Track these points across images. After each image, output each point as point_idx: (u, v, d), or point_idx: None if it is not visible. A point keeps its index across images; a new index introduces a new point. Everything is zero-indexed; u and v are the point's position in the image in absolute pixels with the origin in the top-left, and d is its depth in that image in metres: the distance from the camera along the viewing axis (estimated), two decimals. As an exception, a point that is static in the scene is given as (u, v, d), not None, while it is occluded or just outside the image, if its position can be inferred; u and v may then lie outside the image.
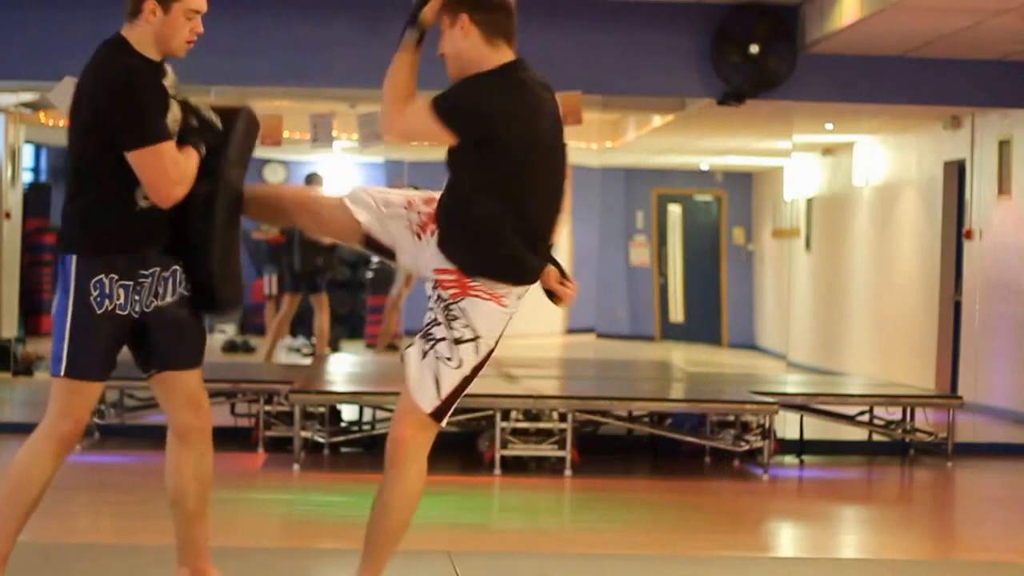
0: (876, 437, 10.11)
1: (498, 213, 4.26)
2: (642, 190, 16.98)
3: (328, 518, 7.41)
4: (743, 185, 17.32)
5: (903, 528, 7.74)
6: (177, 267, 4.45)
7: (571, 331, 16.63)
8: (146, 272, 4.39)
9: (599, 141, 14.22)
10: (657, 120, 13.14)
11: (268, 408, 9.38)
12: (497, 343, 4.41)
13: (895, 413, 9.95)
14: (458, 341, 4.31)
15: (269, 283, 13.75)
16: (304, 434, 8.88)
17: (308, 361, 12.81)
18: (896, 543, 7.25)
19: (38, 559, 5.61)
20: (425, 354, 4.33)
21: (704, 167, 17.09)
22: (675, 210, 17.55)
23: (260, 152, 16.89)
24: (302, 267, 13.08)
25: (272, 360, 13.18)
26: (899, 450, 10.12)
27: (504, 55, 4.32)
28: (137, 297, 4.39)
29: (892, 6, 8.81)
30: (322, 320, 13.25)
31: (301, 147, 13.41)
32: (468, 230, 4.29)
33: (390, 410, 9.29)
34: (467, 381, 4.38)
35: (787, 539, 7.66)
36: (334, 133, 10.68)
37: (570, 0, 10.27)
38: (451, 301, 4.31)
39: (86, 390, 4.42)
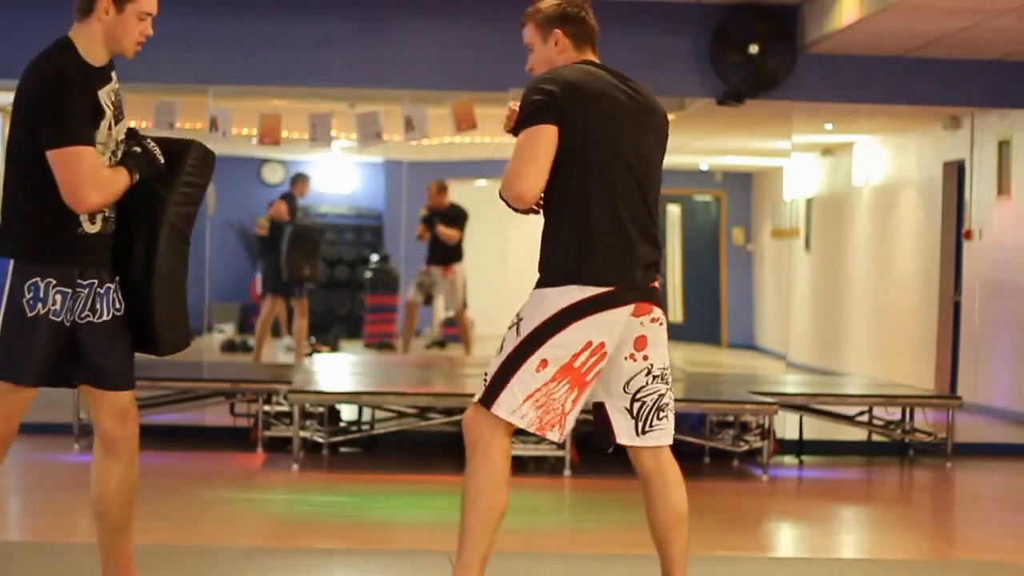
0: (875, 437, 10.11)
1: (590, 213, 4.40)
2: (642, 190, 16.94)
3: (327, 518, 7.41)
4: (742, 185, 17.31)
5: (902, 528, 7.74)
6: (113, 285, 4.41)
7: (570, 331, 16.58)
8: (84, 283, 4.34)
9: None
10: (657, 120, 13.11)
11: (267, 408, 9.38)
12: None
13: (894, 413, 9.96)
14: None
15: (262, 282, 13.80)
16: (303, 434, 8.88)
17: (306, 361, 12.79)
18: (895, 543, 7.25)
19: (38, 559, 5.60)
20: None
21: (703, 167, 17.08)
22: (674, 210, 17.55)
23: (259, 151, 16.91)
24: (289, 275, 13.12)
25: (260, 359, 13.20)
26: (898, 450, 10.12)
27: (588, 58, 4.54)
28: (72, 306, 4.33)
29: (892, 6, 8.81)
30: (301, 324, 13.30)
31: (300, 147, 13.42)
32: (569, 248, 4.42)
33: (389, 410, 9.32)
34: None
35: (786, 539, 7.66)
36: (333, 133, 10.67)
37: (570, 0, 10.26)
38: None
39: (16, 393, 4.32)
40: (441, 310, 15.88)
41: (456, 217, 13.68)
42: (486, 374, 4.41)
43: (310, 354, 14.23)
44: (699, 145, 15.10)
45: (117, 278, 4.43)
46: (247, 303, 16.65)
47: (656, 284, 4.48)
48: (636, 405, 4.43)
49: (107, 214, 4.37)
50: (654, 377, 4.43)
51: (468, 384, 9.81)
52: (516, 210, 4.45)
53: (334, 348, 15.61)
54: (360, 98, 11.09)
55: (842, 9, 9.50)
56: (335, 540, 6.73)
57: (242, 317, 16.76)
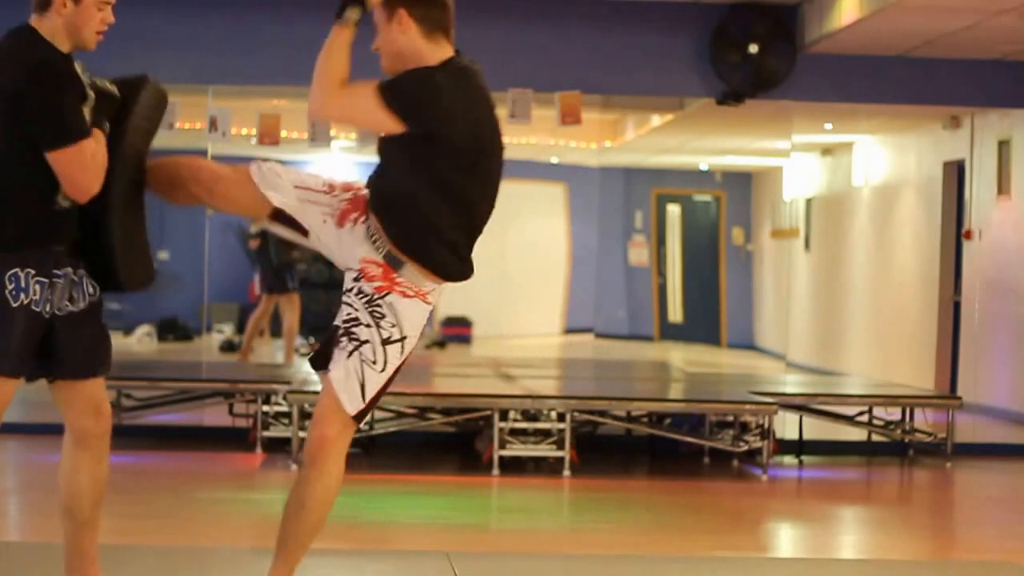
0: (875, 437, 10.11)
1: (442, 207, 4.25)
2: (641, 190, 16.97)
3: (327, 518, 7.38)
4: (742, 185, 17.31)
5: (902, 528, 7.73)
6: (84, 270, 4.36)
7: (569, 331, 16.62)
8: (59, 272, 4.29)
9: (598, 141, 14.22)
10: (656, 120, 13.14)
11: (266, 408, 9.37)
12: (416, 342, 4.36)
13: (894, 413, 9.95)
14: (385, 342, 4.25)
15: (259, 283, 13.84)
16: (302, 434, 8.86)
17: (305, 361, 12.78)
18: (895, 543, 7.24)
19: (37, 559, 5.59)
20: (350, 355, 4.27)
21: (703, 167, 17.08)
22: (674, 210, 17.54)
23: (259, 151, 16.98)
24: (280, 263, 13.15)
25: (247, 358, 13.22)
26: (898, 450, 10.11)
27: (444, 50, 4.32)
28: (51, 296, 4.27)
29: (892, 6, 8.80)
30: (292, 320, 13.30)
31: (299, 146, 13.39)
32: (412, 218, 4.25)
33: (388, 410, 9.30)
34: (389, 382, 4.32)
35: (786, 539, 7.65)
36: (332, 132, 10.66)
37: (570, 0, 10.26)
38: (376, 295, 4.25)
39: (1, 385, 4.27)
40: (441, 310, 15.89)
41: None
42: (362, 386, 4.28)
43: (309, 354, 14.23)
44: (699, 145, 15.10)
45: (85, 264, 4.36)
46: (246, 303, 16.65)
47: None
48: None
49: None
50: None
51: (467, 384, 9.81)
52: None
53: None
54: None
55: (842, 9, 9.49)
56: (335, 540, 6.71)
57: (241, 317, 16.75)
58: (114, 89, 4.34)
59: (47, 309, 4.28)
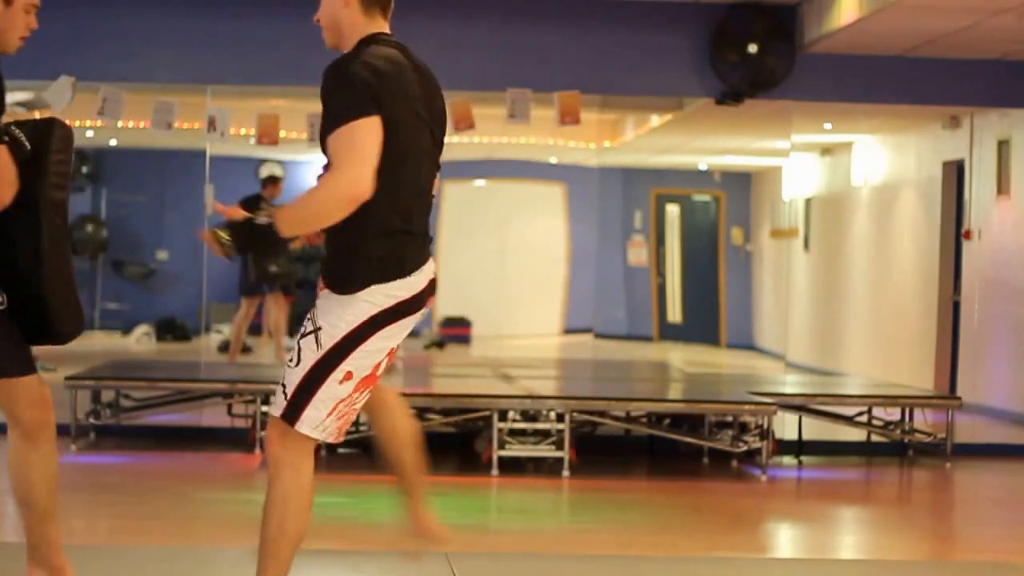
0: (875, 438, 10.10)
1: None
2: (640, 190, 16.97)
3: (325, 518, 7.38)
4: (741, 185, 17.31)
5: (902, 529, 7.73)
6: None
7: (568, 331, 16.62)
8: None
9: (597, 141, 14.22)
10: (655, 120, 13.13)
11: (265, 408, 9.36)
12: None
13: (894, 414, 9.94)
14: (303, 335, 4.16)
15: (237, 285, 13.84)
16: (301, 434, 8.85)
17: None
18: (895, 544, 7.24)
19: (34, 560, 5.58)
20: None
21: (702, 167, 17.08)
22: (673, 210, 17.53)
23: (257, 151, 16.91)
24: (257, 276, 13.15)
25: (235, 360, 13.24)
26: (898, 451, 10.11)
27: (378, 26, 4.23)
28: None
29: (891, 6, 8.80)
30: (278, 319, 13.30)
31: (298, 146, 13.40)
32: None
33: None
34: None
35: (786, 540, 7.65)
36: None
37: (569, 0, 10.25)
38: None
39: None
40: (441, 310, 15.87)
41: None
42: (284, 387, 4.11)
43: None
44: (698, 145, 15.10)
45: None
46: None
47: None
48: None
49: None
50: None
51: (466, 384, 9.80)
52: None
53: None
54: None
55: (841, 8, 9.49)
56: (333, 540, 6.71)
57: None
58: (24, 139, 4.28)
59: None
